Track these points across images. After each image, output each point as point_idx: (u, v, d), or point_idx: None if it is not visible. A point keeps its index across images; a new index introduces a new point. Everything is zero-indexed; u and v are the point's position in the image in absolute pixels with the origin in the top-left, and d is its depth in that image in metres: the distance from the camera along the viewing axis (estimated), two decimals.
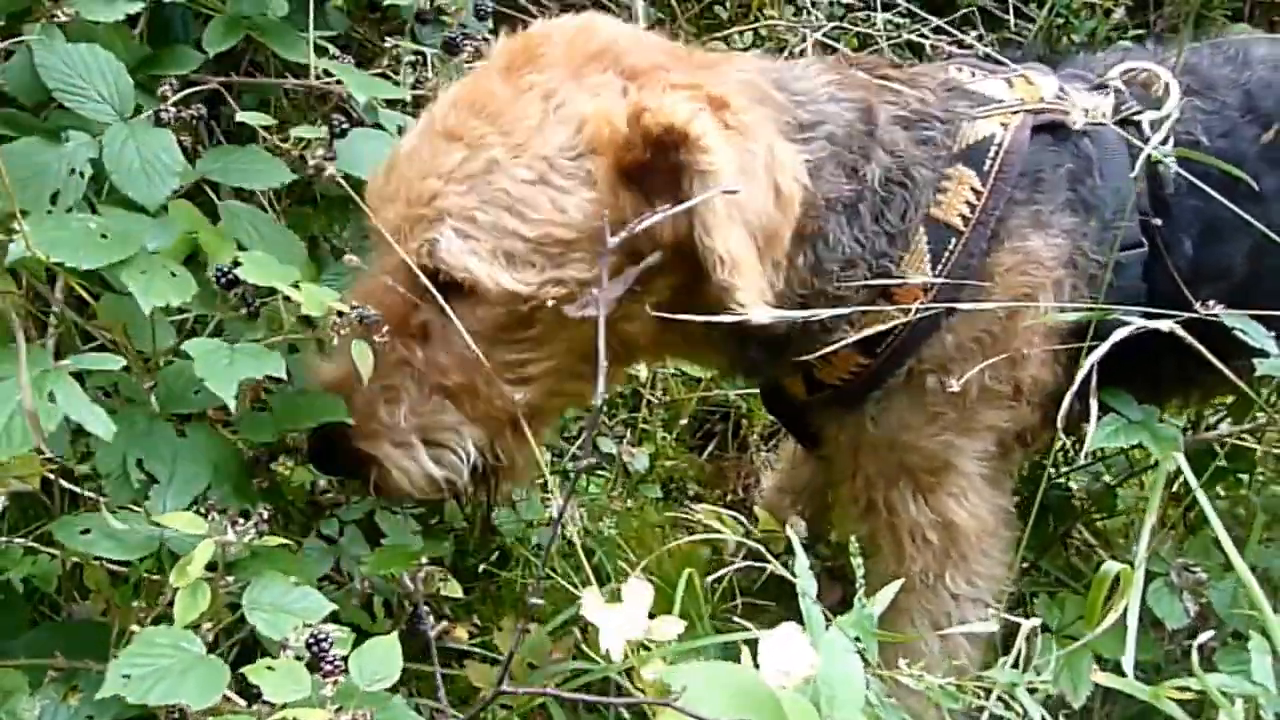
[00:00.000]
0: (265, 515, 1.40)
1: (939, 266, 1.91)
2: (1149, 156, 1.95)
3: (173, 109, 1.65)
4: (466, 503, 1.93)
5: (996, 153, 1.94)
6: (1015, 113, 1.99)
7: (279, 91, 2.26)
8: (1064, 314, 1.93)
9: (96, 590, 1.90)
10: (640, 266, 1.62)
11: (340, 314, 1.51)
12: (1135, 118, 2.03)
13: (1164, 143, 1.98)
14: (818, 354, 1.90)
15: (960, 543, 2.11)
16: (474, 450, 1.80)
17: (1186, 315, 1.77)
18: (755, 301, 1.62)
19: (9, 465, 1.55)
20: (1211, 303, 1.81)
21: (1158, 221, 2.02)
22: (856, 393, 2.01)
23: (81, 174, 1.57)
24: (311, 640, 1.29)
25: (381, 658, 1.35)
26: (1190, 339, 1.71)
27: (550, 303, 1.67)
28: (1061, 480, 2.73)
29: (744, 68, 1.88)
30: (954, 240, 1.91)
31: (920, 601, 2.13)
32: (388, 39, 2.18)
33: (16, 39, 1.68)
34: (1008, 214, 1.93)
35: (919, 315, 1.89)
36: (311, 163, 1.72)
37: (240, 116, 1.77)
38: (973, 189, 1.92)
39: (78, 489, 2.02)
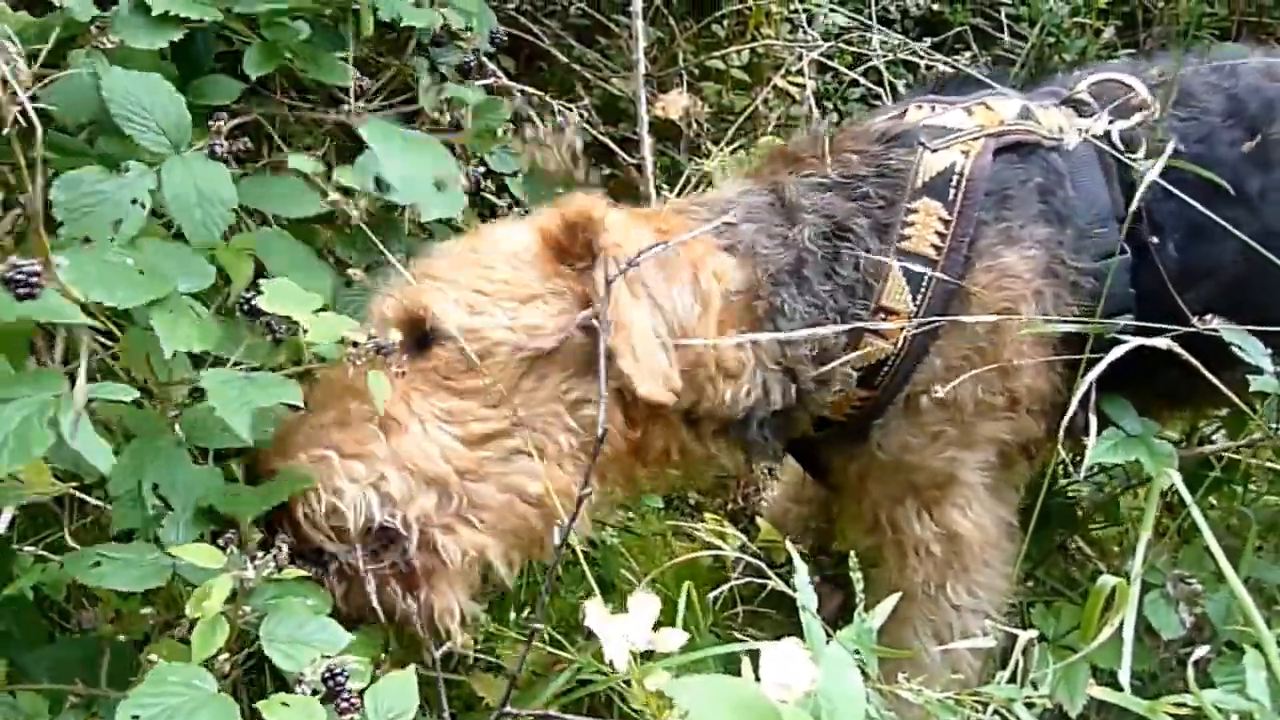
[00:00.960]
0: (284, 548, 1.41)
1: (918, 297, 1.96)
2: (1123, 165, 2.00)
3: (225, 143, 1.70)
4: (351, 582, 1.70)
5: (959, 181, 1.98)
6: (976, 139, 2.03)
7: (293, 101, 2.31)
8: (1050, 324, 1.97)
9: (105, 600, 1.92)
10: (577, 318, 1.79)
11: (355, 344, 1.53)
12: (1106, 129, 2.06)
13: (1136, 150, 2.01)
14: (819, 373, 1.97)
15: (963, 553, 2.15)
16: (376, 496, 1.68)
17: (1184, 330, 1.81)
18: (640, 375, 1.74)
19: (22, 477, 1.56)
20: (1209, 316, 1.85)
21: (1155, 238, 2.05)
22: (862, 424, 2.07)
23: (143, 205, 1.60)
24: (328, 674, 1.30)
25: (398, 692, 1.36)
26: (1186, 355, 1.75)
27: (499, 347, 1.78)
28: (1062, 489, 2.74)
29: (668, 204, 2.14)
30: (929, 270, 1.96)
31: (922, 612, 2.17)
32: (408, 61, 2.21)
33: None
34: (978, 236, 1.98)
35: (908, 344, 1.96)
36: (353, 215, 1.77)
37: (292, 161, 1.83)
38: (940, 219, 1.97)
39: (88, 498, 2.04)
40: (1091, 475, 2.73)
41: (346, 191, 1.91)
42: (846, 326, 1.95)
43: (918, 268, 1.95)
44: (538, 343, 1.75)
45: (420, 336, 1.78)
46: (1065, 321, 1.98)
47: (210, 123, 1.71)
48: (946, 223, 1.97)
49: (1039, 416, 2.11)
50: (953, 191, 1.98)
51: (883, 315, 1.96)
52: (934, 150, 2.02)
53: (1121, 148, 2.02)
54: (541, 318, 1.81)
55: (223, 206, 1.64)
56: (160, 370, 1.61)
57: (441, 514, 1.73)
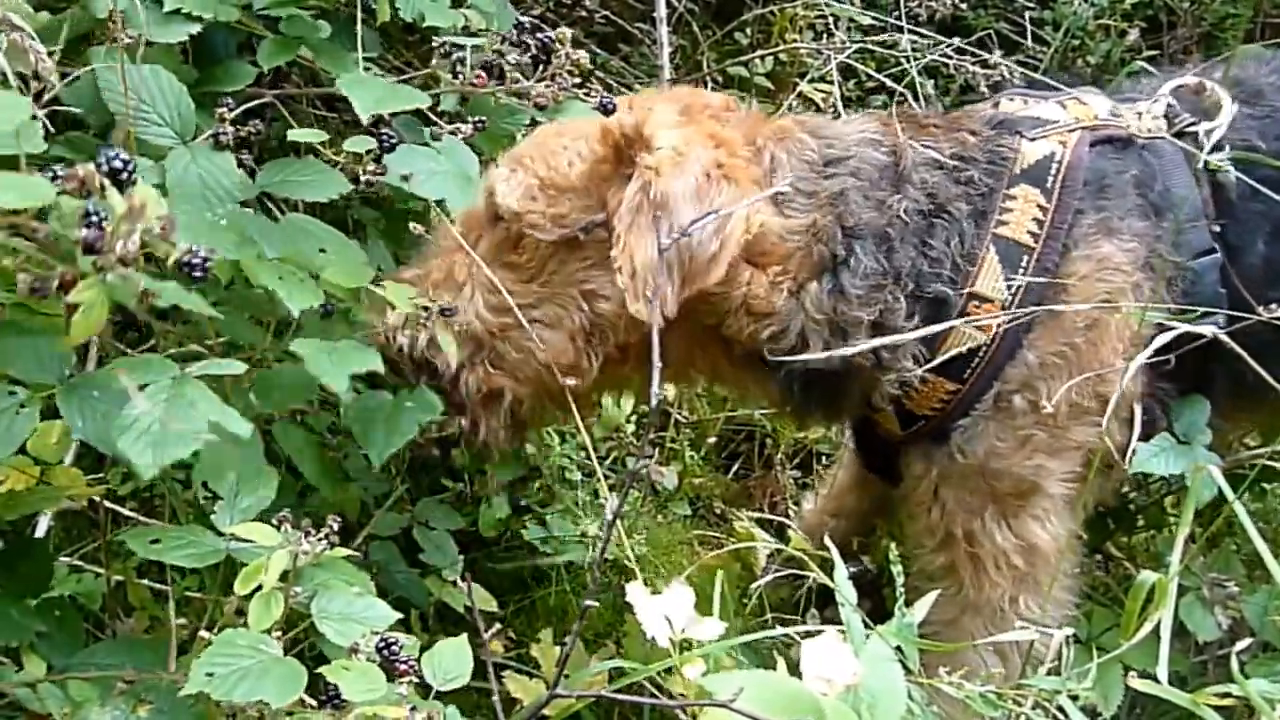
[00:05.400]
0: (335, 526, 1.43)
1: (1012, 286, 1.93)
2: (1207, 164, 2.00)
3: (231, 128, 1.68)
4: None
5: (1058, 169, 1.98)
6: (1071, 130, 2.03)
7: (319, 111, 2.31)
8: (1144, 317, 1.93)
9: (141, 607, 1.93)
10: (589, 218, 1.92)
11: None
12: (1190, 129, 2.07)
13: (1218, 149, 2.01)
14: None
15: (1039, 566, 2.09)
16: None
17: (1253, 318, 1.81)
18: (633, 293, 1.80)
19: (59, 484, 1.57)
20: (1274, 306, 1.83)
21: (1219, 225, 2.03)
22: (945, 423, 2.02)
23: None
24: (382, 644, 1.33)
25: (453, 658, 1.39)
26: (1232, 344, 1.75)
27: (534, 230, 1.94)
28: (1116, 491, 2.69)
29: (782, 120, 2.08)
30: (1025, 257, 1.94)
31: (989, 627, 2.10)
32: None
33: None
34: (1075, 224, 1.96)
35: (1000, 335, 1.92)
36: (364, 178, 1.78)
37: (293, 134, 1.79)
38: (1039, 205, 1.96)
39: (121, 509, 2.06)
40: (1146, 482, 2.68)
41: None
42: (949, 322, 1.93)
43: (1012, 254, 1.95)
44: (548, 233, 1.93)
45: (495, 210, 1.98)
46: (1161, 311, 1.93)
47: (216, 109, 1.71)
48: (1044, 210, 1.95)
49: (1125, 423, 2.02)
50: (1051, 179, 1.97)
51: (975, 303, 1.93)
52: (1031, 139, 2.02)
53: (1209, 146, 2.02)
54: (567, 209, 1.94)
55: (227, 196, 1.64)
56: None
57: (471, 360, 1.99)
